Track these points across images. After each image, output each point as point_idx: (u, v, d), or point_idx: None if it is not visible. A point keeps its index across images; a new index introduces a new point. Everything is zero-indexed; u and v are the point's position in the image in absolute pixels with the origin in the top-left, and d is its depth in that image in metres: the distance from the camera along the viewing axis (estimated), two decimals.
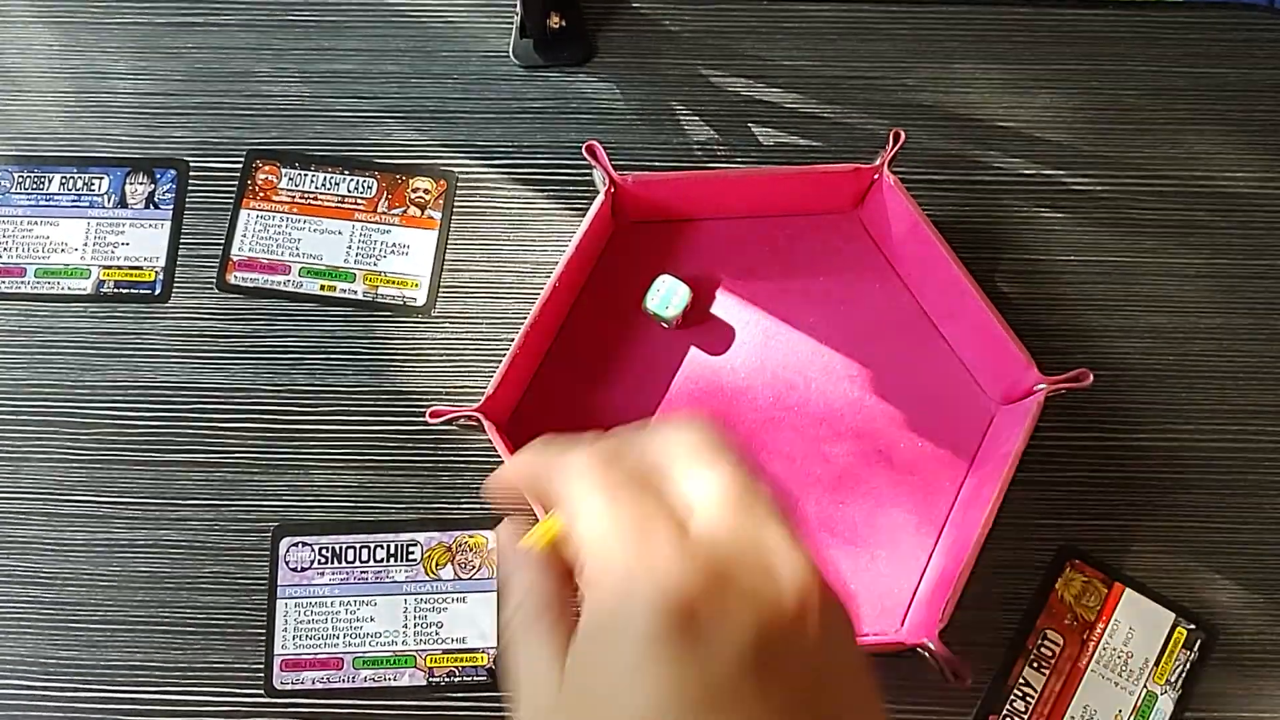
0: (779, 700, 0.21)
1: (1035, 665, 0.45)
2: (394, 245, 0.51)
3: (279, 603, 0.46)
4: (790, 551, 0.23)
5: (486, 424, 0.43)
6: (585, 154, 0.46)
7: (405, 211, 0.52)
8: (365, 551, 0.47)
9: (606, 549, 0.23)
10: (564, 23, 0.53)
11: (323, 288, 0.51)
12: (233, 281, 0.51)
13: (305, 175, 0.52)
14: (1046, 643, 0.45)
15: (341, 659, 0.46)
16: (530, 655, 0.24)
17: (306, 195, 0.52)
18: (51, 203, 0.52)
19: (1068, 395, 0.44)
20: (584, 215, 0.46)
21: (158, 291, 0.51)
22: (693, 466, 0.25)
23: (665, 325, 0.48)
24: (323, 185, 0.52)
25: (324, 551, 0.47)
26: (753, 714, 0.21)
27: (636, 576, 0.22)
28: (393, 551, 0.47)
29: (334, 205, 0.52)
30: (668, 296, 0.47)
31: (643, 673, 0.21)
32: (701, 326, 0.49)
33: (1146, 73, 0.54)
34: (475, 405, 0.44)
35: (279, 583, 0.47)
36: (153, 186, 0.52)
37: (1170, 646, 0.45)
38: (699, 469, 0.24)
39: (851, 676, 0.23)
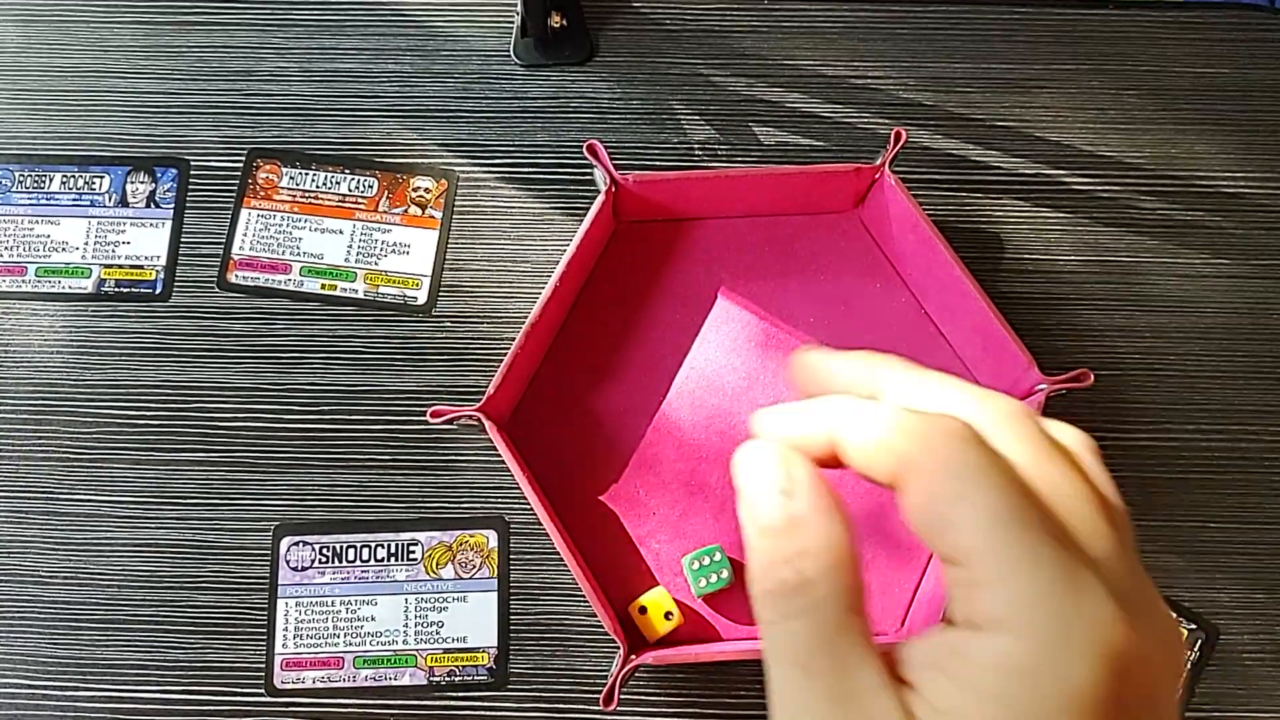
0: None
1: None
2: (395, 244, 0.51)
3: (279, 602, 0.46)
4: (1170, 617, 0.20)
5: (487, 424, 0.43)
6: (586, 153, 0.46)
7: (406, 211, 0.52)
8: (366, 551, 0.47)
9: (1029, 589, 0.18)
10: (565, 22, 0.53)
11: (324, 287, 0.51)
12: (234, 280, 0.51)
13: (306, 174, 0.52)
14: None
15: (342, 658, 0.46)
16: (843, 668, 0.18)
17: (307, 194, 0.52)
18: (52, 202, 0.52)
19: (1068, 395, 0.44)
20: (585, 215, 0.46)
21: (159, 290, 0.51)
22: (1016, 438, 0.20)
23: (692, 589, 0.45)
24: (324, 184, 0.52)
25: (324, 551, 0.47)
26: None
27: (1073, 627, 0.17)
28: (393, 551, 0.47)
29: (335, 204, 0.52)
30: (708, 570, 0.44)
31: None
32: (702, 326, 0.49)
33: (1146, 73, 0.54)
34: (476, 405, 0.44)
35: (279, 582, 0.47)
36: (154, 185, 0.52)
37: None
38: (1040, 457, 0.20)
39: None
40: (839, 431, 0.20)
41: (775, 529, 0.20)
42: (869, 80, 0.54)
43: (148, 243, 0.51)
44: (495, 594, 0.46)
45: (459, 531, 0.47)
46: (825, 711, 0.18)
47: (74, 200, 0.52)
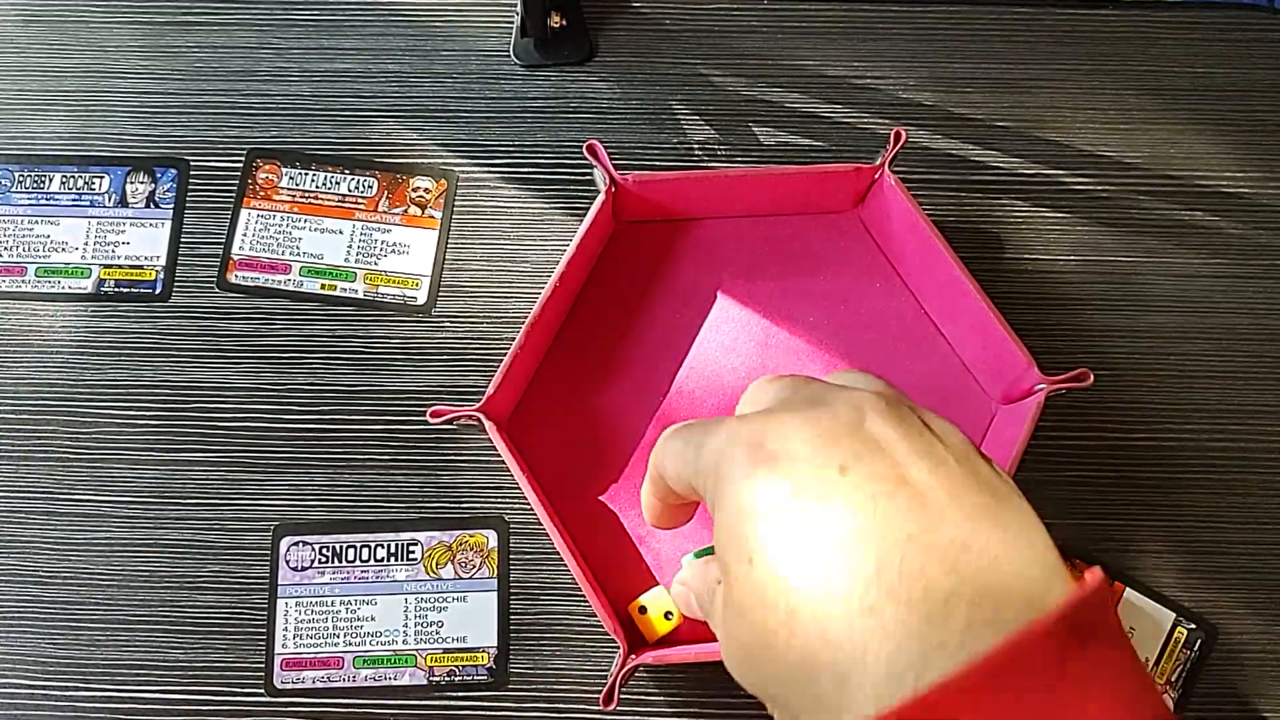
0: (864, 482, 0.26)
1: None
2: (394, 244, 0.51)
3: (279, 602, 0.46)
4: (840, 390, 0.29)
5: (487, 424, 0.43)
6: (586, 153, 0.46)
7: (406, 211, 0.52)
8: (365, 551, 0.47)
9: (694, 455, 0.29)
10: (564, 22, 0.53)
11: (323, 287, 0.51)
12: (233, 281, 0.51)
13: (306, 174, 0.52)
14: None
15: (342, 658, 0.46)
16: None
17: (307, 194, 0.52)
18: (52, 202, 0.52)
19: (1068, 395, 0.44)
20: (584, 215, 0.46)
21: (158, 290, 0.51)
22: (755, 394, 0.31)
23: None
24: (323, 184, 0.52)
25: (324, 551, 0.47)
26: (849, 494, 0.26)
27: (719, 450, 0.28)
28: (393, 551, 0.47)
29: (335, 204, 0.52)
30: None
31: (758, 490, 0.27)
32: (702, 326, 0.49)
33: (1146, 73, 0.54)
34: (476, 405, 0.44)
35: (279, 582, 0.47)
36: (153, 185, 0.52)
37: (1170, 646, 0.45)
38: (758, 391, 0.31)
39: (946, 459, 0.27)
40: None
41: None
42: (869, 80, 0.54)
43: (147, 243, 0.51)
44: (495, 594, 0.46)
45: (459, 531, 0.47)
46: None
47: (74, 200, 0.52)
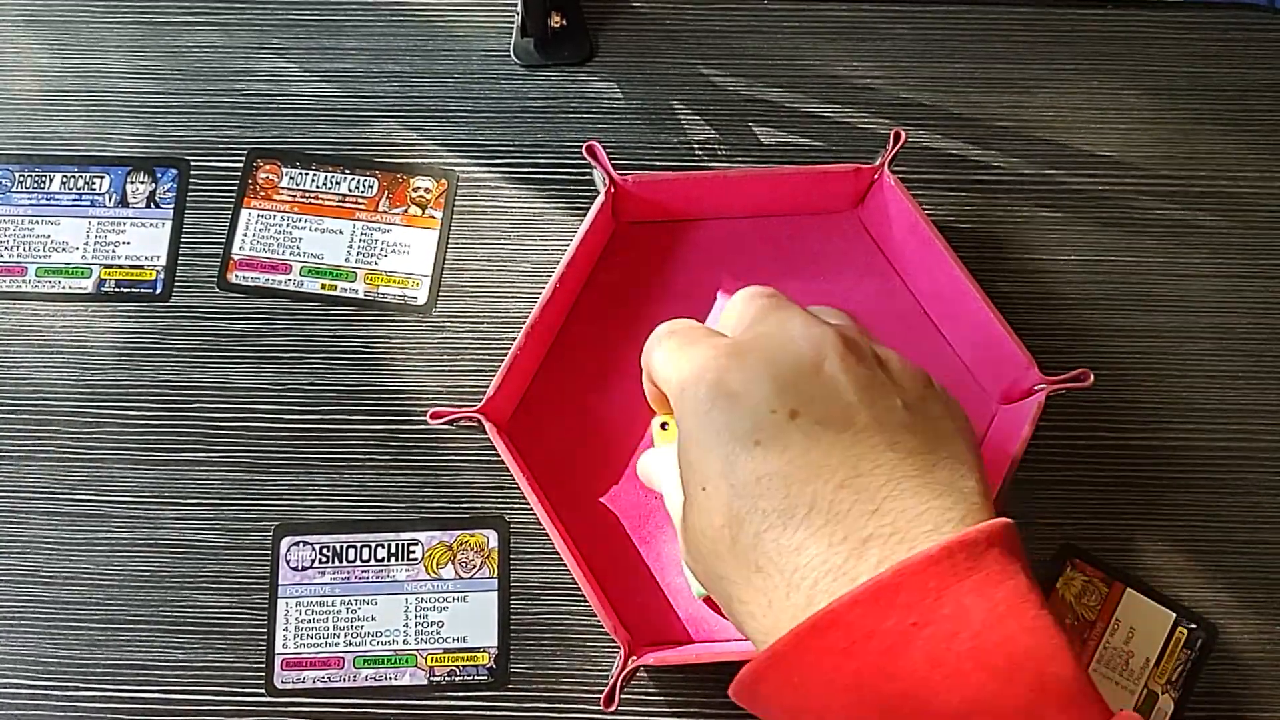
0: (810, 427, 0.28)
1: None
2: (395, 244, 0.51)
3: (280, 602, 0.46)
4: (808, 325, 0.30)
5: (487, 425, 0.43)
6: (585, 154, 0.46)
7: (406, 211, 0.52)
8: (366, 551, 0.47)
9: (671, 373, 0.32)
10: (565, 22, 0.53)
11: (324, 287, 0.51)
12: (234, 281, 0.51)
13: (306, 174, 0.52)
14: None
15: (342, 658, 0.46)
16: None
17: (307, 194, 0.52)
18: (52, 202, 0.52)
19: (1068, 395, 0.44)
20: (584, 215, 0.46)
21: (159, 290, 0.51)
22: (735, 308, 0.34)
23: (692, 590, 0.45)
24: (324, 184, 0.52)
25: (324, 551, 0.47)
26: (790, 437, 0.28)
27: (686, 378, 0.31)
28: (393, 551, 0.47)
29: (335, 204, 0.52)
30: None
31: (712, 424, 0.29)
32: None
33: (1146, 73, 0.54)
34: (476, 406, 0.44)
35: (280, 582, 0.47)
36: (154, 185, 0.52)
37: (1170, 646, 0.46)
38: (737, 307, 0.33)
39: (905, 408, 0.29)
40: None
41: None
42: (869, 80, 0.54)
43: (148, 243, 0.51)
44: (495, 594, 0.46)
45: (459, 531, 0.47)
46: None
47: (74, 200, 0.52)
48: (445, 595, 0.46)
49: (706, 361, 0.31)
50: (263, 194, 0.52)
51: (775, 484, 0.28)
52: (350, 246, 0.51)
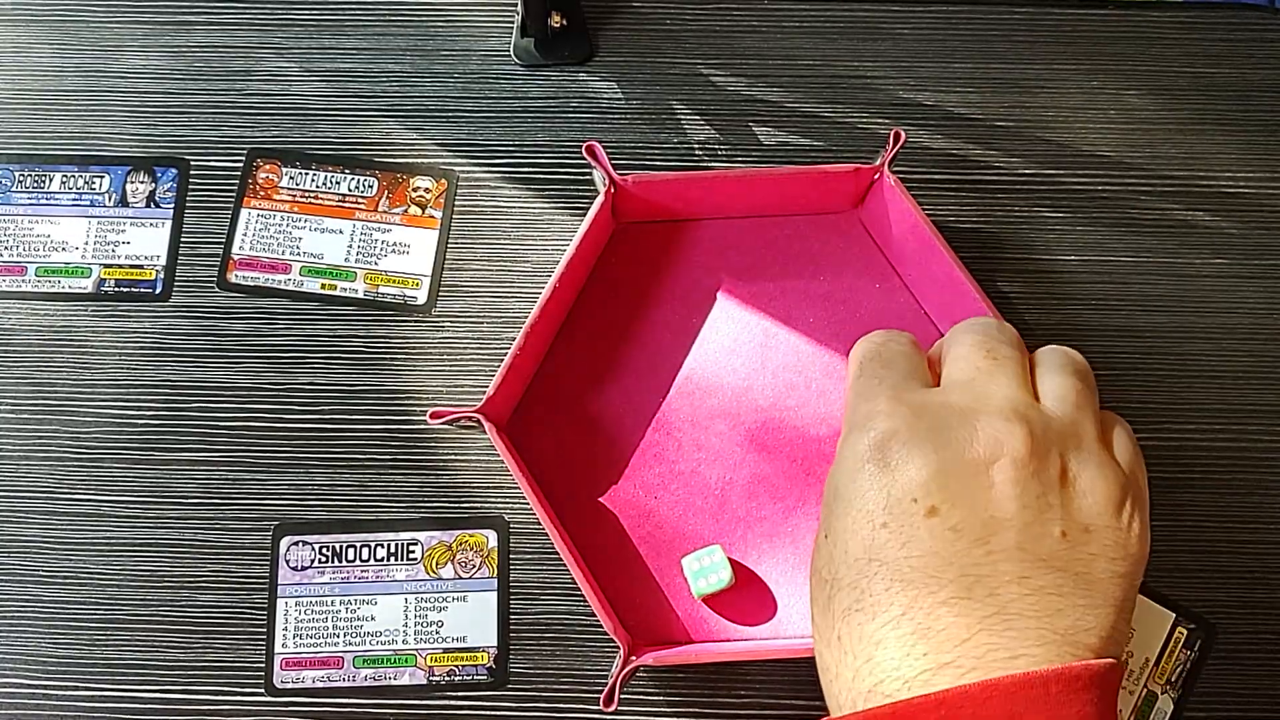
0: (941, 532, 0.26)
1: None
2: (395, 244, 0.51)
3: (279, 601, 0.46)
4: (1001, 415, 0.28)
5: (487, 426, 0.43)
6: (585, 154, 0.46)
7: (406, 210, 0.52)
8: (365, 550, 0.47)
9: (852, 398, 0.33)
10: (565, 22, 0.53)
11: (323, 286, 0.51)
12: (234, 280, 0.51)
13: (306, 174, 0.52)
14: None
15: (342, 658, 0.46)
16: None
17: (307, 194, 0.52)
18: (52, 201, 0.52)
19: None
20: (584, 215, 0.46)
21: (158, 290, 0.51)
22: (960, 346, 0.32)
23: (692, 590, 0.45)
24: (323, 184, 0.52)
25: (324, 550, 0.47)
26: (916, 534, 0.27)
27: (858, 418, 0.31)
28: (393, 551, 0.47)
29: (335, 204, 0.52)
30: (708, 571, 0.44)
31: (855, 483, 0.29)
32: (702, 326, 0.49)
33: (1146, 73, 0.54)
34: (476, 406, 0.44)
35: (279, 581, 0.47)
36: (154, 185, 0.52)
37: (1170, 646, 0.45)
38: (963, 347, 0.32)
39: (1051, 560, 0.27)
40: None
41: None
42: (869, 80, 0.54)
43: (148, 243, 0.51)
44: (495, 594, 0.46)
45: (459, 531, 0.47)
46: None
47: (74, 200, 0.52)
48: (445, 595, 0.46)
49: (882, 411, 0.30)
50: (263, 194, 0.52)
51: (881, 573, 0.27)
52: (350, 246, 0.51)
